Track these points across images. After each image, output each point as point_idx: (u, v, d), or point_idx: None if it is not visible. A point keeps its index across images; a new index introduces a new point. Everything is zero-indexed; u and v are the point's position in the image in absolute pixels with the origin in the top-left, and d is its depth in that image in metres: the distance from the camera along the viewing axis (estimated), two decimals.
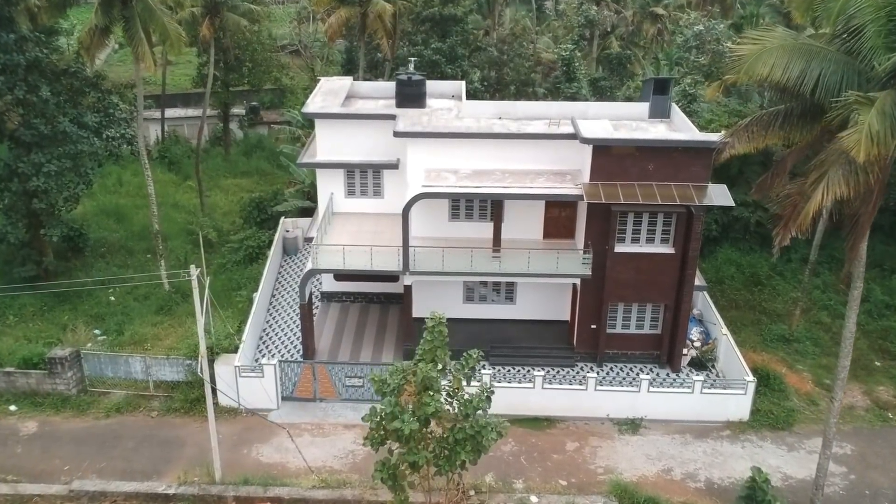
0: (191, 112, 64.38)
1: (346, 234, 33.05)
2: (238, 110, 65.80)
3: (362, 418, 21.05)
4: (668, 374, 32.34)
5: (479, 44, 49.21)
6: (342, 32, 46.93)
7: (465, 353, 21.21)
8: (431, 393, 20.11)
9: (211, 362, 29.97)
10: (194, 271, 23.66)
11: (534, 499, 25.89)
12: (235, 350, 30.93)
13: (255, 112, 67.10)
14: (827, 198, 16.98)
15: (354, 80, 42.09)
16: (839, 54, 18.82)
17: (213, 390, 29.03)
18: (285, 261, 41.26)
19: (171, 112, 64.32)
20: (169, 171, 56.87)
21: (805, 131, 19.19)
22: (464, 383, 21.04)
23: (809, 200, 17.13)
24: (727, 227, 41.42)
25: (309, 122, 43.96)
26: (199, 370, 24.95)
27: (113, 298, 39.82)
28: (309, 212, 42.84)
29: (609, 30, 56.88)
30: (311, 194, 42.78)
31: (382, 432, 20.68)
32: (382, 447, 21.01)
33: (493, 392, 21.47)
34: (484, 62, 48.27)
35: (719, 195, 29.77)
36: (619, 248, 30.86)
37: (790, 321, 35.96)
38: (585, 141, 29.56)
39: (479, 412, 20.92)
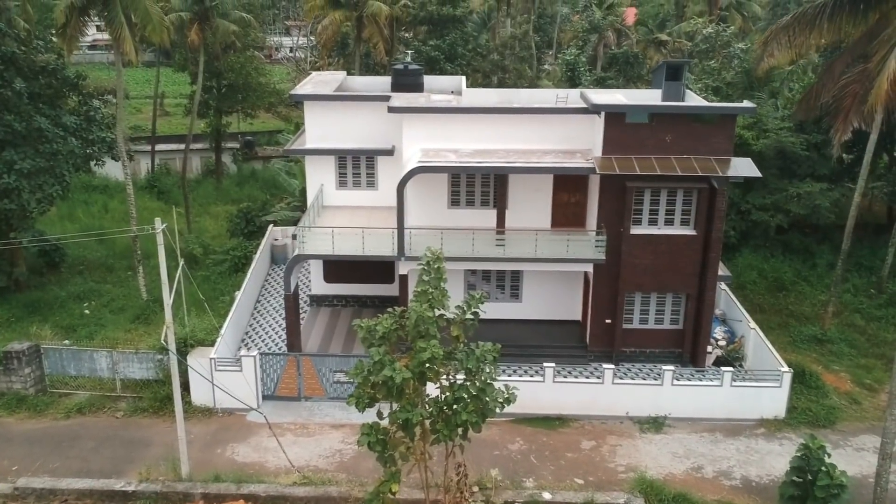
0: (183, 146, 62.38)
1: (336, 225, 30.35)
2: (232, 145, 63.93)
3: (346, 373, 18.00)
4: (691, 374, 29.13)
5: (479, 50, 47.36)
6: (337, 39, 45.00)
7: (469, 293, 18.27)
8: (427, 340, 17.14)
9: (184, 354, 26.99)
10: (159, 224, 20.93)
11: (546, 496, 22.52)
12: (212, 344, 27.92)
13: (249, 147, 65.11)
14: None
15: None
16: None
17: (186, 384, 26.07)
18: (273, 269, 38.41)
19: (162, 146, 62.41)
20: (157, 200, 54.70)
21: (859, 21, 16.59)
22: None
23: (880, 73, 14.46)
24: (746, 234, 38.77)
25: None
26: (162, 338, 21.92)
27: (88, 312, 36.95)
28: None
29: (613, 48, 55.32)
30: (302, 206, 40.27)
31: (370, 389, 17.59)
32: (370, 410, 17.91)
33: (500, 350, 18.48)
34: (485, 66, 46.23)
35: (744, 167, 27.24)
36: (636, 230, 28.14)
37: (821, 322, 32.91)
38: (597, 108, 27.17)
39: (486, 370, 17.92)
